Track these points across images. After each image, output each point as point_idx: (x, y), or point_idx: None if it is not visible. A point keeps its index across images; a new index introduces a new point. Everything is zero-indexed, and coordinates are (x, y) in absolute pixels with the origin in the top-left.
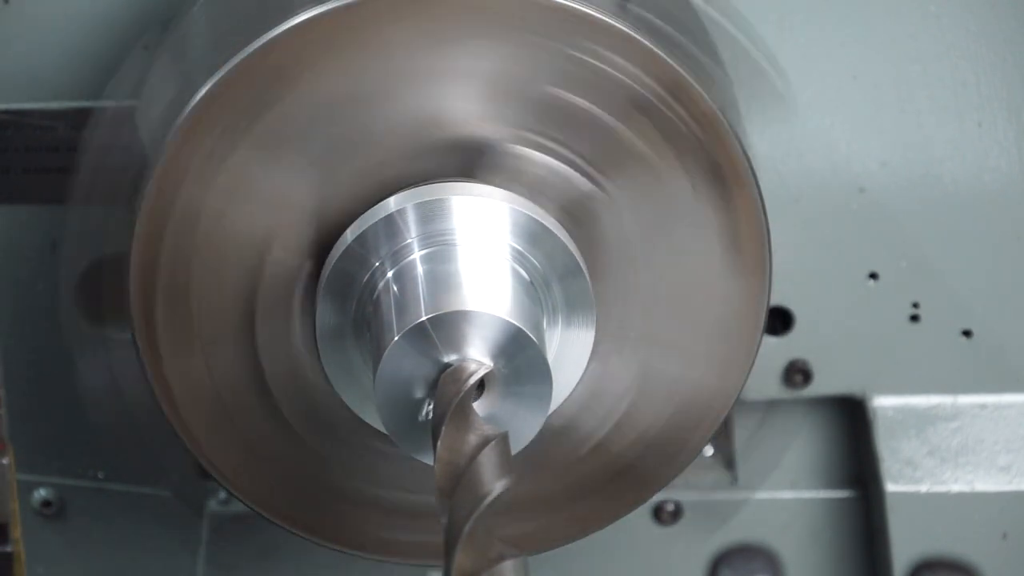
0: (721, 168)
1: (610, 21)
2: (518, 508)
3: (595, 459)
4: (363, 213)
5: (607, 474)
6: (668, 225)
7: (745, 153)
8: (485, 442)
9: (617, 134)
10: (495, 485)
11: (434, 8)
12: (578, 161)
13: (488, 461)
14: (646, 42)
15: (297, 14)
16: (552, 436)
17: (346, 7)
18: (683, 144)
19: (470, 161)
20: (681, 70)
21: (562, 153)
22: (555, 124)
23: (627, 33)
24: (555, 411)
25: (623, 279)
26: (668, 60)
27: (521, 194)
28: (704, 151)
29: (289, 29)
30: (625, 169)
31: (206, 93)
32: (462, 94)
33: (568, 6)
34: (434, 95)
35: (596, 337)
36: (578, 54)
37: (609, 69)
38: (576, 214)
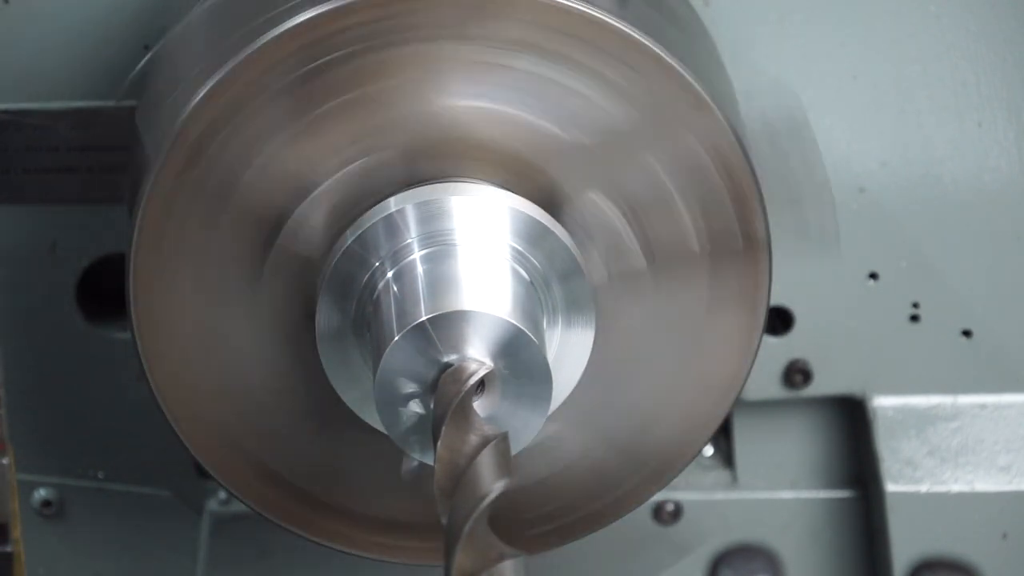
0: (718, 162)
1: (607, 19)
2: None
3: (596, 458)
4: (363, 213)
5: (608, 473)
6: (665, 220)
7: (743, 147)
8: (485, 442)
9: (614, 128)
10: (495, 485)
11: (428, 8)
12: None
13: (488, 461)
14: (643, 39)
15: (292, 17)
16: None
17: (342, 8)
18: (680, 139)
19: (466, 160)
20: (678, 67)
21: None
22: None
23: (623, 31)
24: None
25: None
26: (665, 58)
27: (519, 192)
28: (701, 145)
29: (285, 31)
30: (621, 163)
31: (203, 96)
32: (458, 93)
33: (565, 4)
34: (430, 95)
35: (595, 334)
36: (575, 52)
37: (606, 67)
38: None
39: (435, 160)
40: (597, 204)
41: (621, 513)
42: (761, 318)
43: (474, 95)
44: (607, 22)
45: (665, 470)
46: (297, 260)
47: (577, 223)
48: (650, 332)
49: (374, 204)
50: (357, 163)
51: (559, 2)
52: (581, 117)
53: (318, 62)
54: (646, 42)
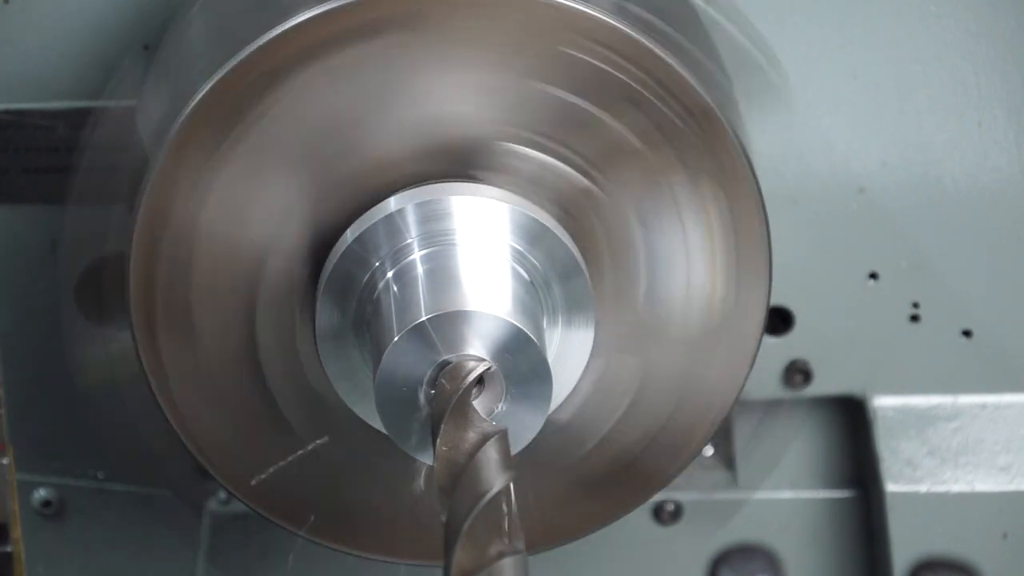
0: (718, 164)
1: (606, 19)
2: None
3: (596, 458)
4: (363, 213)
5: (609, 473)
6: (666, 221)
7: (742, 148)
8: (484, 439)
9: (613, 131)
10: (495, 482)
11: (428, 7)
12: (574, 158)
13: (487, 458)
14: (642, 39)
15: (291, 17)
16: (553, 434)
17: (341, 8)
18: (680, 140)
19: (466, 160)
20: (677, 66)
21: (558, 150)
22: (550, 121)
23: (622, 30)
24: (556, 409)
25: (623, 276)
26: (664, 56)
27: (519, 192)
28: (701, 147)
29: (285, 32)
30: (622, 166)
31: (203, 96)
32: (457, 93)
33: (564, 4)
34: (430, 95)
35: (596, 335)
36: (572, 51)
37: (603, 65)
38: (573, 211)
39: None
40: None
41: (584, 533)
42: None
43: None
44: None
45: (635, 498)
46: (311, 237)
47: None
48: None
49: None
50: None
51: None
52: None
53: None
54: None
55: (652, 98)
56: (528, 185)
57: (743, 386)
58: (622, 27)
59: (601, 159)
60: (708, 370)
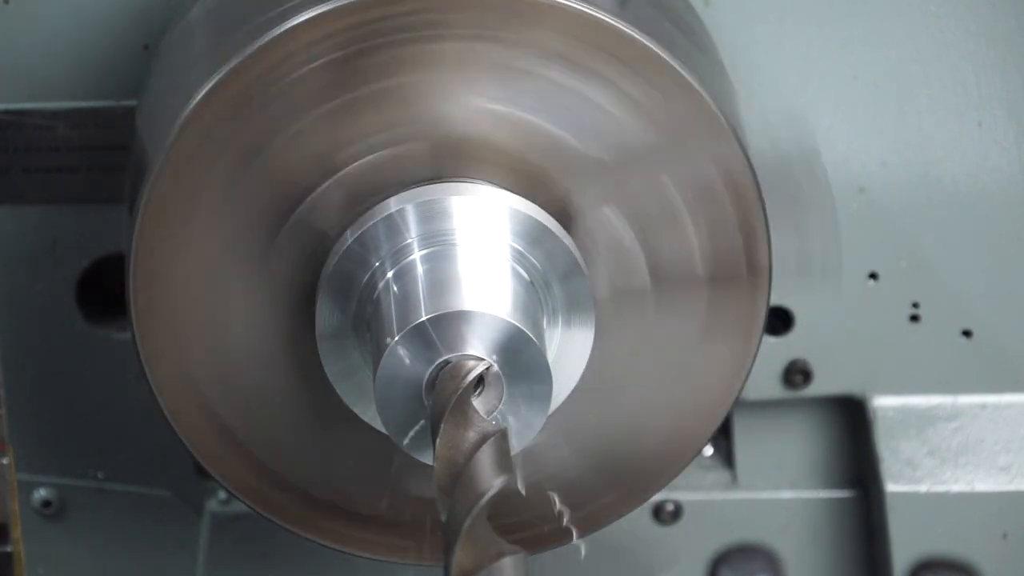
0: (719, 163)
1: (606, 19)
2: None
3: (597, 457)
4: (363, 213)
5: (609, 472)
6: (666, 221)
7: (743, 148)
8: (484, 438)
9: (612, 130)
10: (494, 481)
11: (428, 8)
12: (574, 158)
13: (487, 457)
14: (642, 39)
15: (292, 17)
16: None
17: (341, 8)
18: (678, 138)
19: (466, 160)
20: (677, 66)
21: (558, 150)
22: (550, 121)
23: (623, 30)
24: (556, 409)
25: (623, 275)
26: (664, 56)
27: (518, 192)
28: (701, 146)
29: (285, 32)
30: (621, 165)
31: (203, 96)
32: (458, 93)
33: (564, 4)
34: (430, 95)
35: (595, 335)
36: (572, 51)
37: (603, 65)
38: (573, 211)
39: (458, 160)
40: (609, 219)
41: (596, 527)
42: (754, 346)
43: (502, 99)
44: (635, 37)
45: (645, 488)
46: (311, 238)
47: (587, 236)
48: (642, 351)
49: (395, 195)
50: (383, 152)
51: (592, 14)
52: (601, 131)
53: (357, 47)
54: (674, 64)
55: (652, 98)
56: (528, 185)
57: (743, 386)
58: (622, 27)
59: (600, 159)
60: (708, 370)
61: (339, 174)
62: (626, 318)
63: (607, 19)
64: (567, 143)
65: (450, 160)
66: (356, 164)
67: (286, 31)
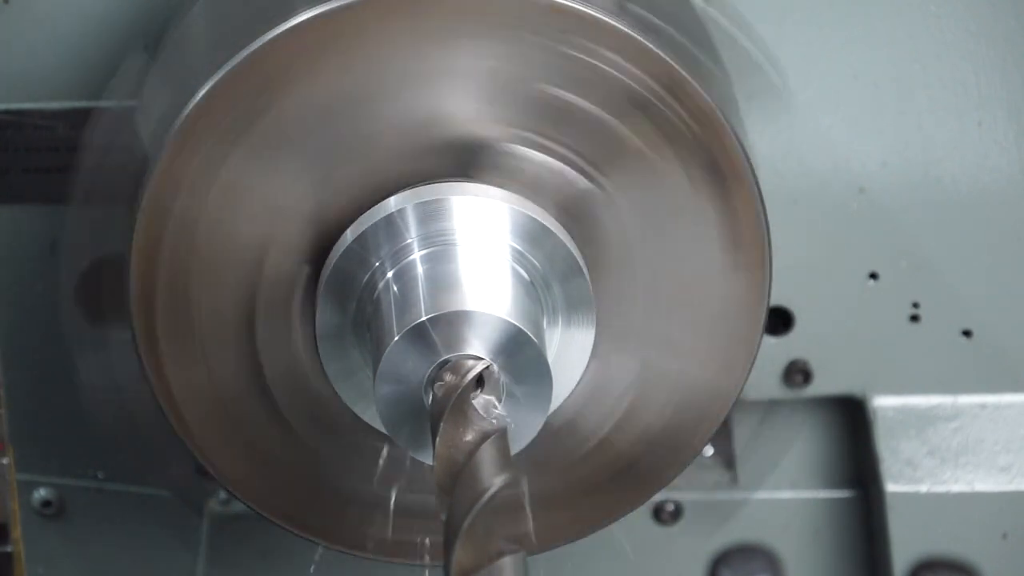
0: (719, 164)
1: (606, 19)
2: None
3: (596, 457)
4: (363, 213)
5: (608, 473)
6: (667, 222)
7: (743, 148)
8: (484, 437)
9: (614, 131)
10: (494, 481)
11: (429, 8)
12: (575, 159)
13: (487, 456)
14: (642, 39)
15: (292, 17)
16: (554, 434)
17: (342, 8)
18: (680, 140)
19: (467, 160)
20: (677, 66)
21: (559, 151)
22: (552, 122)
23: (623, 30)
24: (556, 410)
25: (623, 276)
26: (664, 56)
27: (519, 192)
28: (701, 147)
29: (285, 31)
30: (623, 166)
31: (203, 96)
32: (458, 94)
33: (565, 5)
34: (430, 95)
35: (596, 335)
36: (574, 52)
37: (605, 67)
38: (574, 212)
39: (461, 160)
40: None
41: (596, 527)
42: (754, 346)
43: (505, 100)
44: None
45: (645, 488)
46: (311, 237)
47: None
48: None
49: (395, 194)
50: (385, 151)
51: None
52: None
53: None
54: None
55: (652, 98)
56: (528, 185)
57: (743, 386)
58: (623, 27)
59: (601, 159)
60: (708, 370)
61: (340, 174)
62: (627, 318)
63: (611, 21)
64: (569, 144)
65: (452, 160)
66: (357, 164)
67: (288, 30)
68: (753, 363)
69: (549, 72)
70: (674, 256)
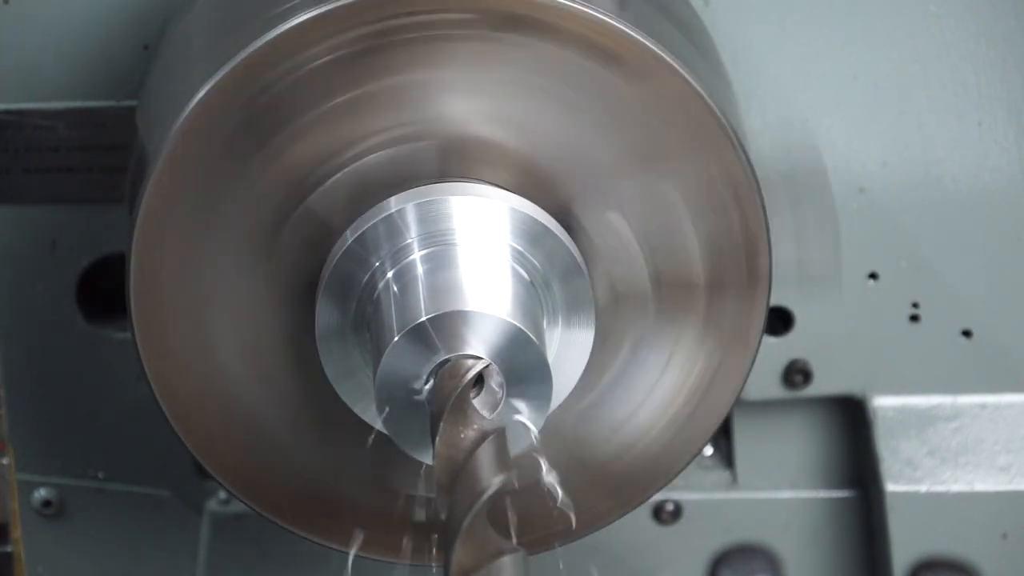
0: (718, 162)
1: (604, 17)
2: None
3: (597, 457)
4: (363, 213)
5: (608, 472)
6: (666, 220)
7: (742, 146)
8: (483, 437)
9: (609, 127)
10: (493, 480)
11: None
12: (571, 156)
13: (486, 456)
14: (638, 36)
15: (290, 18)
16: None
17: (341, 10)
18: (677, 138)
19: (465, 160)
20: (672, 61)
21: (555, 149)
22: (548, 120)
23: (620, 28)
24: (556, 409)
25: (621, 273)
26: (660, 53)
27: (518, 191)
28: (699, 145)
29: (285, 32)
30: (619, 163)
31: (201, 97)
32: (454, 93)
33: (564, 4)
34: (428, 95)
35: (596, 334)
36: (573, 51)
37: (600, 64)
38: (572, 209)
39: (463, 161)
40: (612, 224)
41: (596, 527)
42: (753, 350)
43: (508, 101)
44: (642, 42)
45: (645, 488)
46: (312, 238)
47: (589, 241)
48: (637, 359)
49: (395, 194)
50: (386, 151)
51: (601, 18)
52: (608, 138)
53: (361, 46)
54: (684, 72)
55: (655, 102)
56: (532, 188)
57: (743, 386)
58: (620, 26)
59: (598, 156)
60: (707, 372)
61: (341, 174)
62: (626, 321)
63: (616, 23)
64: (572, 147)
65: (455, 160)
66: (358, 164)
67: (288, 30)
68: (752, 365)
69: (548, 71)
70: (675, 262)
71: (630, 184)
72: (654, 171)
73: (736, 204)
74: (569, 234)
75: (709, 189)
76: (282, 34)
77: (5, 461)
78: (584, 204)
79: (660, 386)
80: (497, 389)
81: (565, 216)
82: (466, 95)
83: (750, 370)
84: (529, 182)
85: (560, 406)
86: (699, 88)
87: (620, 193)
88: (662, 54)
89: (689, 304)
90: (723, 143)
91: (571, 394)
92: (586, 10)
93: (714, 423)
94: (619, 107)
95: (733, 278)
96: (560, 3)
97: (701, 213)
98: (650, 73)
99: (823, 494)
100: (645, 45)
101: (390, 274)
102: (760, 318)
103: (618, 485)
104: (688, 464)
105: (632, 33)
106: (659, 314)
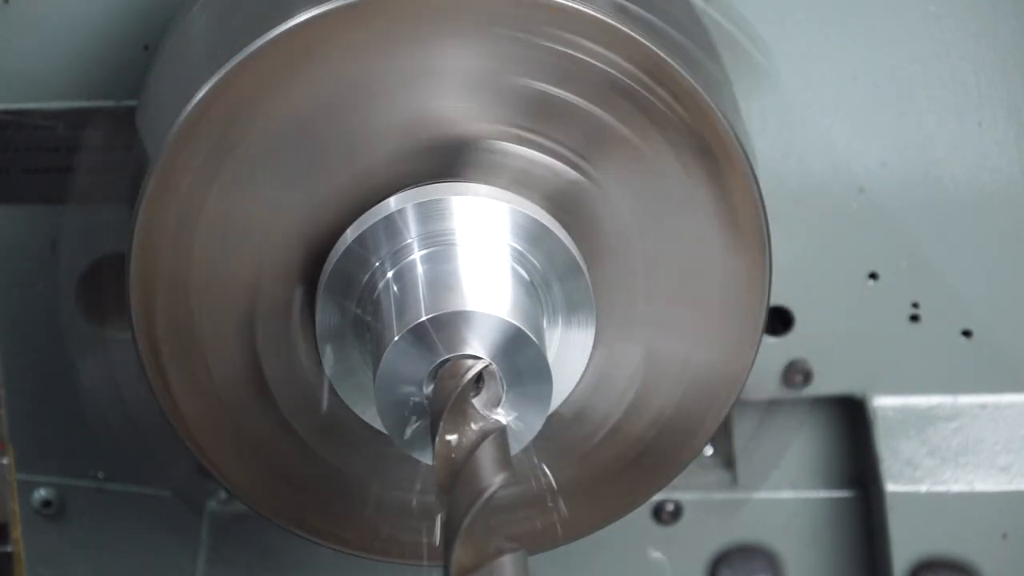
0: (709, 146)
1: (601, 15)
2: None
3: (609, 445)
4: (363, 213)
5: (622, 461)
6: (662, 207)
7: (732, 128)
8: (483, 436)
9: (600, 120)
10: (493, 479)
11: (408, 7)
12: (562, 151)
13: (486, 455)
14: (620, 26)
15: (291, 18)
16: (564, 425)
17: (340, 9)
18: (668, 124)
19: (452, 160)
20: (658, 50)
21: (545, 144)
22: (536, 116)
23: (600, 18)
24: (565, 400)
25: (622, 264)
26: (644, 42)
27: (517, 191)
28: (689, 130)
29: (284, 32)
30: (611, 154)
31: (200, 99)
32: (439, 93)
33: (562, 4)
34: (412, 95)
35: (600, 324)
36: (553, 44)
37: (584, 56)
38: (566, 204)
39: (465, 161)
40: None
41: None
42: (754, 346)
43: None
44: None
45: (645, 488)
46: (311, 238)
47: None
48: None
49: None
50: (388, 151)
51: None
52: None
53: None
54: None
55: (635, 84)
56: (514, 180)
57: (743, 386)
58: (600, 15)
59: (589, 150)
60: (708, 369)
61: (340, 174)
62: (626, 318)
63: (622, 26)
64: (555, 136)
65: (456, 161)
66: (358, 164)
67: (288, 30)
68: (753, 363)
69: (528, 65)
70: (672, 240)
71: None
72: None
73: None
74: (568, 232)
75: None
76: (282, 34)
77: (5, 461)
78: (585, 204)
79: (660, 386)
80: (497, 389)
81: (565, 215)
82: (470, 94)
83: (750, 370)
84: (531, 183)
85: (559, 406)
86: (703, 93)
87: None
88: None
89: (690, 296)
90: (726, 146)
91: (570, 394)
92: (589, 11)
93: (714, 422)
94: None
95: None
96: (568, 5)
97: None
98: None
99: (823, 494)
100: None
101: (390, 274)
102: (763, 309)
103: (618, 485)
104: (688, 464)
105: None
106: (658, 308)
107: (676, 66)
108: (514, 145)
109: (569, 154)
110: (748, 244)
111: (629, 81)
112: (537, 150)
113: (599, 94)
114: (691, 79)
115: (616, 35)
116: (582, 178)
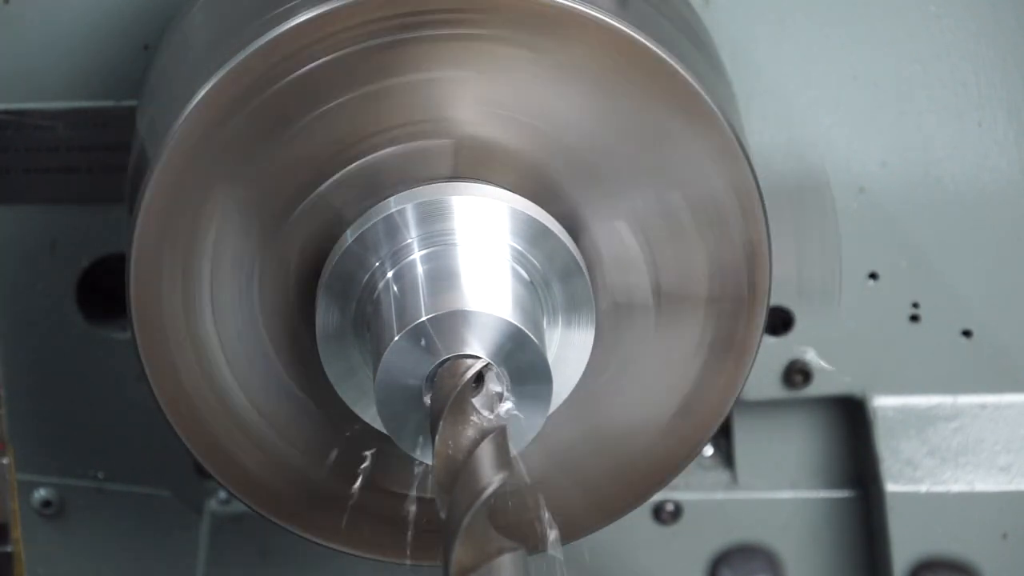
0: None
1: (602, 16)
2: None
3: (597, 456)
4: (363, 213)
5: (609, 472)
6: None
7: (742, 145)
8: (483, 435)
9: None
10: (493, 479)
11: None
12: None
13: (486, 455)
14: (634, 34)
15: (291, 18)
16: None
17: (340, 9)
18: (674, 135)
19: (462, 159)
20: (667, 57)
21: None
22: (544, 117)
23: (618, 27)
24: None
25: (622, 271)
26: (655, 48)
27: (518, 191)
28: (697, 143)
29: (285, 32)
30: (617, 161)
31: (204, 95)
32: (449, 92)
33: (562, 4)
34: (425, 94)
35: (597, 332)
36: (572, 50)
37: (596, 62)
38: (570, 207)
39: (472, 162)
40: (618, 233)
41: (595, 527)
42: (747, 367)
43: (519, 104)
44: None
45: (645, 488)
46: (311, 238)
47: (593, 248)
48: (641, 358)
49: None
50: (389, 151)
51: (617, 27)
52: (618, 148)
53: (362, 45)
54: (698, 87)
55: (643, 90)
56: (539, 193)
57: (743, 386)
58: (618, 24)
59: (595, 154)
60: (708, 369)
61: (341, 174)
62: (626, 329)
63: (636, 35)
64: (584, 156)
65: (463, 161)
66: (358, 164)
67: (288, 30)
68: (753, 363)
69: (568, 81)
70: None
71: (636, 192)
72: (662, 180)
73: (741, 215)
74: (575, 240)
75: (714, 199)
76: (282, 34)
77: (5, 461)
78: (589, 211)
79: (659, 387)
80: (497, 389)
81: (571, 222)
82: (480, 95)
83: (749, 372)
84: (537, 186)
85: (560, 406)
86: (711, 102)
87: (625, 201)
88: (675, 65)
89: (689, 314)
90: (731, 153)
91: (570, 394)
92: (591, 12)
93: (714, 423)
94: (628, 114)
95: (733, 292)
96: (566, 5)
97: (706, 223)
98: (660, 81)
99: (823, 494)
100: (658, 55)
101: (390, 274)
102: (759, 328)
103: (618, 485)
104: (688, 464)
105: (645, 41)
106: (659, 323)
107: (686, 75)
108: (521, 147)
109: (574, 157)
110: (749, 264)
111: (638, 88)
112: (545, 153)
113: (606, 98)
114: (704, 93)
115: (632, 44)
116: (587, 182)
